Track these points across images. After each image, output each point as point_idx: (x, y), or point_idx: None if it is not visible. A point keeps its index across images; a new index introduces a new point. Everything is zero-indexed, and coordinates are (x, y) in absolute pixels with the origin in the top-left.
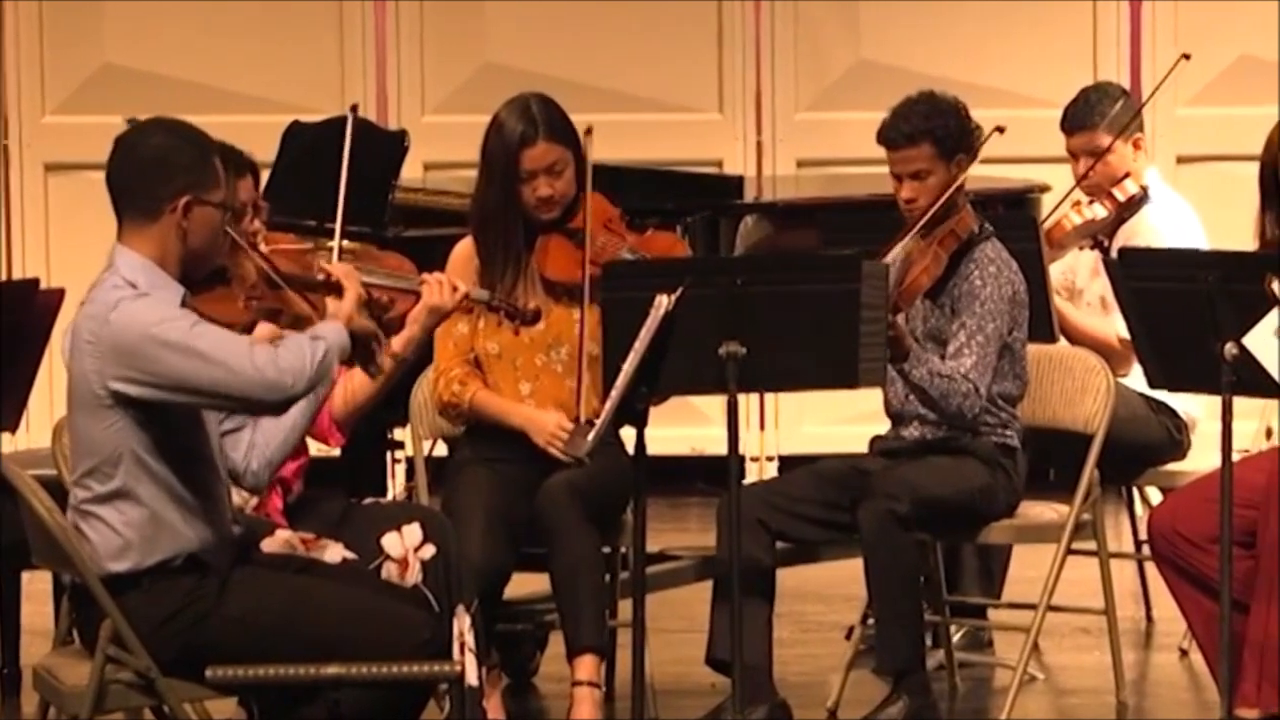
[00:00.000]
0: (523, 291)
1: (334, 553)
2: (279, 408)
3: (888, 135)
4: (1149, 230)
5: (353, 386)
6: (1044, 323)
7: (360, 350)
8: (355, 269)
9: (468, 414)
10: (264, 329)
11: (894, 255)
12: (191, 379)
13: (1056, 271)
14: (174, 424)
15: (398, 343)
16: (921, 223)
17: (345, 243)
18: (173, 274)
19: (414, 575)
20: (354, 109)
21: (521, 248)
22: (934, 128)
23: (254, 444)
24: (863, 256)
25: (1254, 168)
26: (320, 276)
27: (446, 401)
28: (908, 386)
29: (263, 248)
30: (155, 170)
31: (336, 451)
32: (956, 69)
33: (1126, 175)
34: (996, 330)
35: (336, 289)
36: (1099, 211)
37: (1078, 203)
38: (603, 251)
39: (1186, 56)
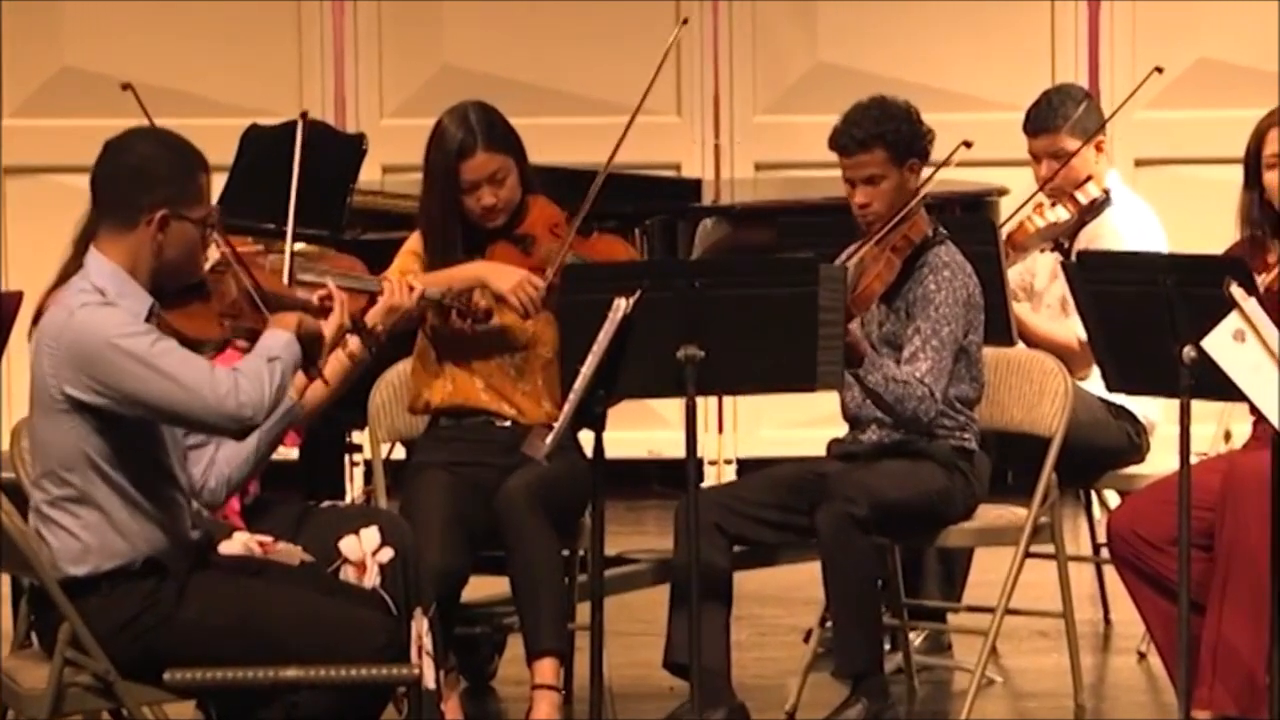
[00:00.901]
0: (478, 296)
1: (292, 555)
2: (238, 436)
3: (840, 141)
4: (1111, 234)
5: (308, 394)
6: (1002, 326)
7: (304, 353)
8: (311, 269)
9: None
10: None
11: (849, 261)
12: (146, 395)
13: (1014, 274)
14: (130, 430)
15: (355, 345)
16: (877, 229)
17: (299, 245)
18: (143, 283)
19: (371, 578)
20: (304, 115)
21: (462, 257)
22: (885, 132)
23: (215, 461)
24: (820, 260)
25: (1213, 170)
26: (313, 298)
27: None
28: (864, 392)
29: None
30: (136, 179)
31: (294, 454)
32: (914, 72)
33: (1089, 178)
34: (952, 334)
35: (323, 312)
36: (1061, 214)
37: (1040, 205)
38: (549, 256)
39: (1159, 70)
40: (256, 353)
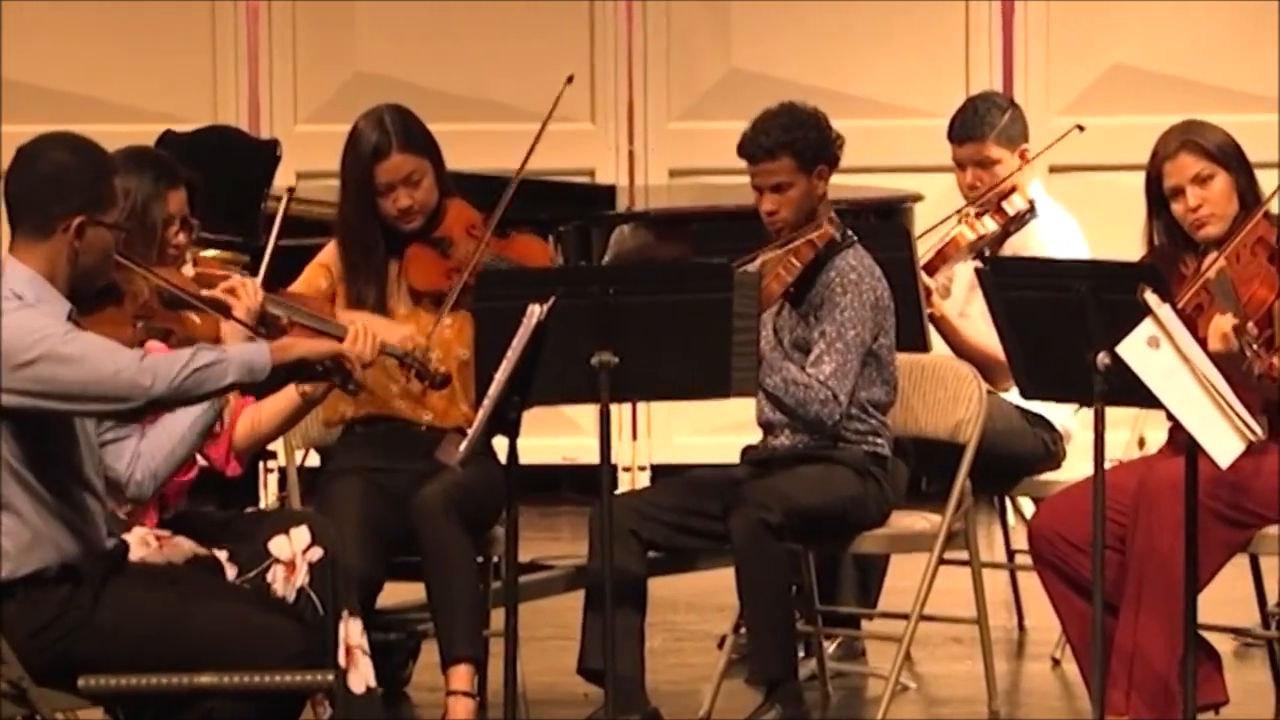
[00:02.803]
0: (395, 301)
1: (188, 548)
2: (140, 409)
3: (748, 149)
4: (1036, 245)
5: (259, 418)
6: (916, 332)
7: (328, 374)
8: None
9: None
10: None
11: (751, 265)
12: (56, 383)
13: (939, 283)
14: (48, 436)
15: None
16: (785, 235)
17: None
18: (61, 290)
19: (301, 578)
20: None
21: (383, 260)
22: (793, 140)
23: (139, 454)
24: (733, 266)
25: (1127, 177)
26: (216, 290)
27: None
28: (764, 396)
29: (189, 269)
30: (51, 188)
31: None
32: (829, 78)
33: (1013, 188)
34: (858, 337)
35: (224, 308)
36: (990, 225)
37: (968, 216)
38: (467, 258)
39: (1080, 128)
40: (215, 348)
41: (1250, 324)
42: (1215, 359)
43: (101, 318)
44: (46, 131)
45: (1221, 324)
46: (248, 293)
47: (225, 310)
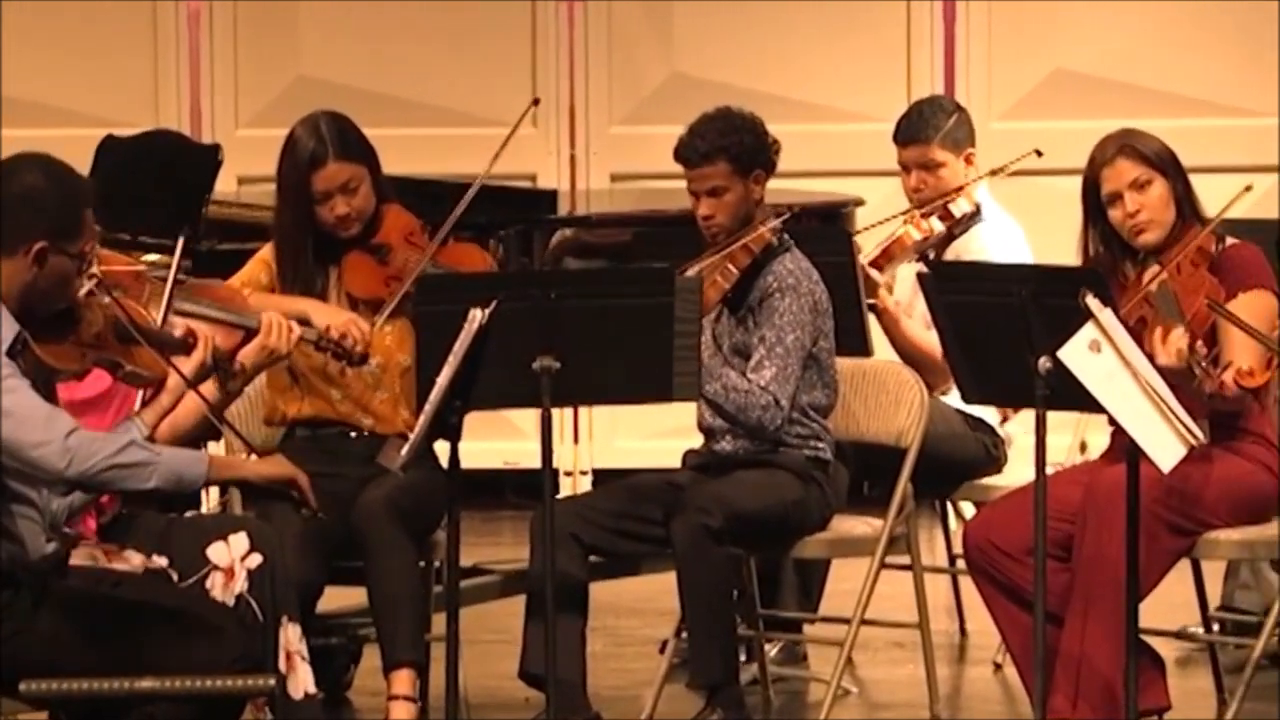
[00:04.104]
0: (354, 339)
1: (136, 562)
2: (51, 480)
3: (683, 153)
4: (980, 249)
5: (178, 415)
6: (858, 336)
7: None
8: (189, 299)
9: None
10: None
11: (690, 273)
12: None
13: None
14: None
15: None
16: (722, 241)
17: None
18: (12, 310)
19: (240, 584)
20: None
21: (315, 268)
22: (728, 145)
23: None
24: (674, 270)
25: (1067, 181)
26: (178, 333)
27: None
28: (705, 403)
29: (96, 269)
30: (19, 209)
31: None
32: (771, 83)
33: (959, 191)
34: (798, 341)
35: (187, 348)
36: (936, 226)
37: (913, 217)
38: (405, 265)
39: (1039, 152)
40: (151, 447)
41: (1199, 343)
42: (1165, 374)
43: (53, 342)
44: (29, 152)
45: (1174, 338)
46: (205, 346)
47: (176, 355)
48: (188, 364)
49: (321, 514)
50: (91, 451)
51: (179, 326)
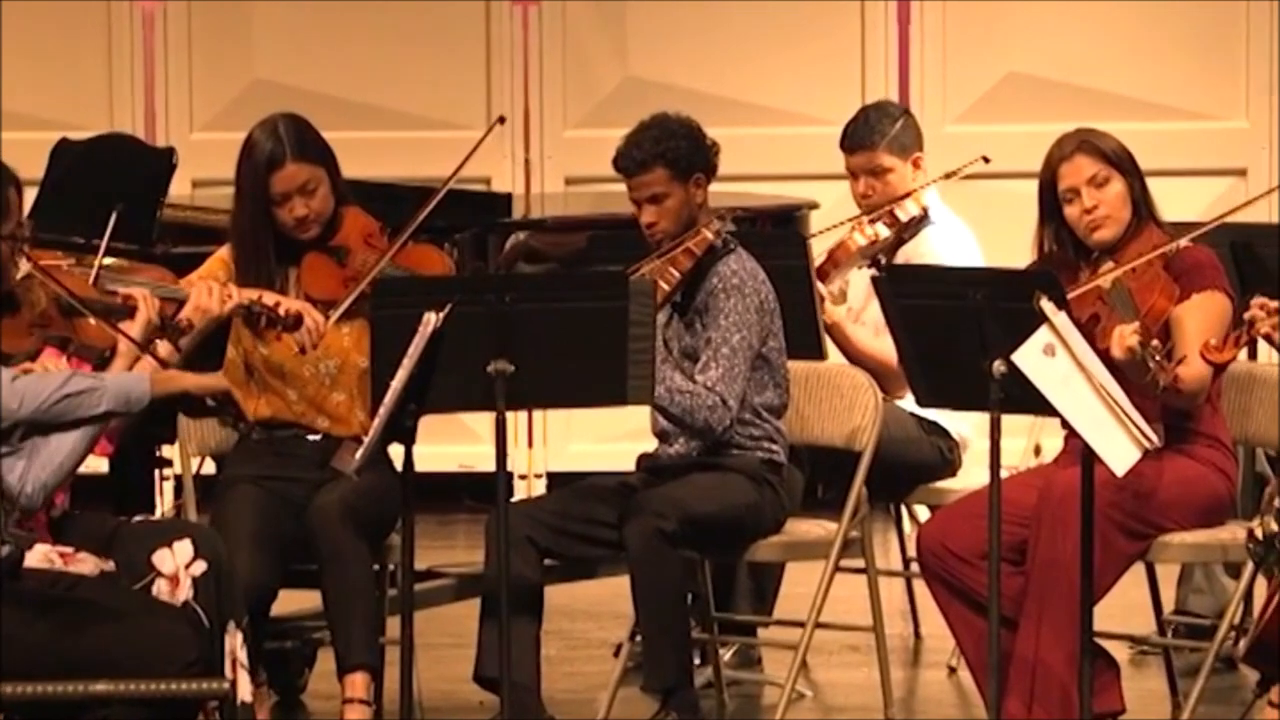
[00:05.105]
0: (286, 303)
1: (91, 566)
2: (5, 431)
3: (621, 163)
4: (929, 253)
5: None
6: (812, 339)
7: (217, 409)
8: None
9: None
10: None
11: (634, 275)
12: None
13: (835, 289)
14: None
15: (165, 350)
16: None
17: (108, 260)
18: None
19: (185, 592)
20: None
21: (274, 269)
22: (665, 151)
23: (30, 467)
24: (627, 274)
25: (1021, 185)
26: (117, 299)
27: None
28: (653, 408)
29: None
30: None
31: (104, 467)
32: (725, 86)
33: (907, 195)
34: (744, 341)
35: (129, 312)
36: (882, 231)
37: (860, 222)
38: (364, 267)
39: (986, 159)
40: (94, 375)
41: (1154, 340)
42: (1117, 368)
43: None
44: None
45: (1125, 333)
46: (147, 305)
47: (121, 320)
48: (134, 327)
49: (244, 425)
50: (40, 389)
51: (117, 295)
